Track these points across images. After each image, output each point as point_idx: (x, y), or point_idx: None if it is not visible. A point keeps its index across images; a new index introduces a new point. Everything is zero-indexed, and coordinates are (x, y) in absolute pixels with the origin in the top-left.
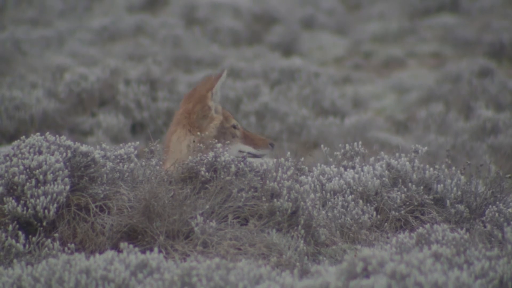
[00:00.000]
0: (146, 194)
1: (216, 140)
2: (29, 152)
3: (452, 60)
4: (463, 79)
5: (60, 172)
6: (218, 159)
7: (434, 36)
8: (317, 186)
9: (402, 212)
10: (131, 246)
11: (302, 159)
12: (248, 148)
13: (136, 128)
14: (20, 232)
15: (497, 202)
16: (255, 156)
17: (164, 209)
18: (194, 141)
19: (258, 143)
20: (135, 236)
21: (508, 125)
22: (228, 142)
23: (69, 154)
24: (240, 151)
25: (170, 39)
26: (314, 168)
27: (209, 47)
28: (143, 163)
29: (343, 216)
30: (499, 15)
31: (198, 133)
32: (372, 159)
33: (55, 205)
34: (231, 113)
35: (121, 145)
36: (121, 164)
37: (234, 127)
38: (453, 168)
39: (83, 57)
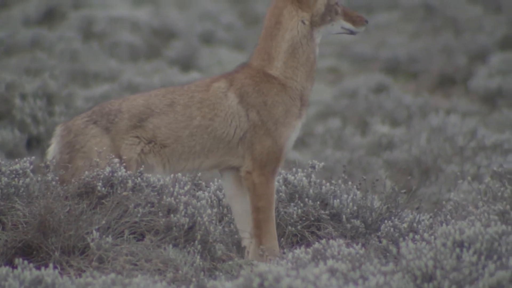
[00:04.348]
0: (41, 209)
1: (323, 18)
2: None
3: (350, 76)
4: (360, 95)
5: None
6: (115, 174)
7: (331, 51)
8: (214, 201)
9: (299, 227)
10: (25, 262)
11: (199, 174)
12: (348, 25)
13: (32, 143)
14: None
15: (393, 217)
16: (352, 33)
17: (60, 225)
18: (303, 21)
19: (356, 19)
20: (30, 252)
21: (403, 141)
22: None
23: None
24: (342, 28)
25: (68, 53)
26: (211, 183)
27: (107, 62)
28: (39, 178)
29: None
30: (395, 31)
31: (306, 12)
32: None
33: None
34: None
35: (16, 160)
36: (16, 179)
37: (337, 3)
38: (350, 183)
39: None
